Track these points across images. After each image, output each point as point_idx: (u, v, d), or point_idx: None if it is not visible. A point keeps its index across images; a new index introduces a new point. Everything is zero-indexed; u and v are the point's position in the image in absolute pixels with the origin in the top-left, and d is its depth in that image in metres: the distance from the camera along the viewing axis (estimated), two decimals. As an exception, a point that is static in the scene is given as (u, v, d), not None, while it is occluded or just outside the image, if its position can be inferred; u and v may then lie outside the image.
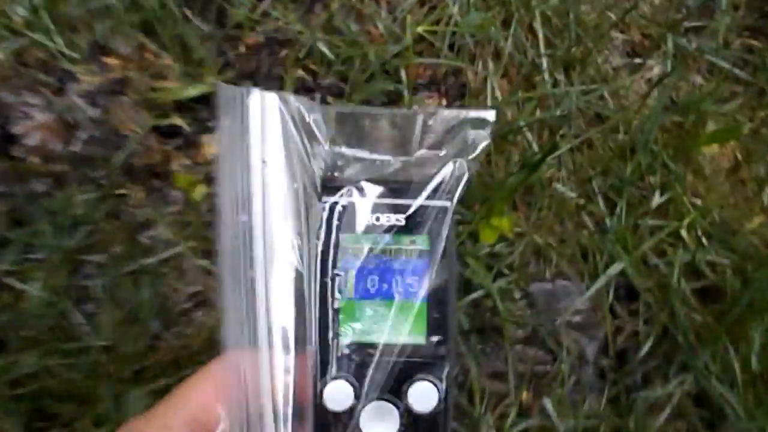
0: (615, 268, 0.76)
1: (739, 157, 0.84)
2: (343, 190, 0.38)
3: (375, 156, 0.39)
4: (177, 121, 0.76)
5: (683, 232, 0.78)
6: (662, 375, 0.77)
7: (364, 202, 0.39)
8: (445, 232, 0.38)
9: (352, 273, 0.38)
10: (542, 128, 0.83)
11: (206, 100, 0.79)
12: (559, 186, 0.79)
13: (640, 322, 0.78)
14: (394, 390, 0.37)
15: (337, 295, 0.38)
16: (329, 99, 0.81)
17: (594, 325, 0.80)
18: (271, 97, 0.36)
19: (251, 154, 0.36)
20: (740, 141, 0.83)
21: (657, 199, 0.78)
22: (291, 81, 0.79)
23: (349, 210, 0.38)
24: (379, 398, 0.37)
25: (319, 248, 0.38)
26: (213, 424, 0.34)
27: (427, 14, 0.84)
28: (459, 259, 0.75)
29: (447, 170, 0.39)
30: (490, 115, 0.39)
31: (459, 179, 0.39)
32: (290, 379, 0.35)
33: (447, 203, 0.38)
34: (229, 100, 0.36)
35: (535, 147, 0.80)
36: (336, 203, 0.38)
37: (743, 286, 0.76)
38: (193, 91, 0.76)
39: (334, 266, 0.38)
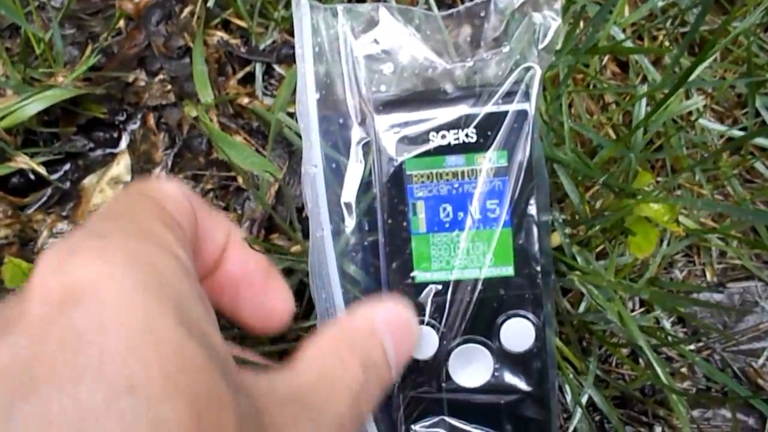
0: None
1: None
2: (399, 108, 0.33)
3: (428, 60, 0.33)
4: (23, 163, 0.44)
5: None
6: None
7: (425, 119, 0.32)
8: (527, 142, 0.32)
9: (421, 204, 0.33)
10: (636, 31, 0.49)
11: (70, 117, 0.46)
12: (702, 121, 0.44)
13: None
14: (484, 330, 0.33)
15: (406, 231, 0.33)
16: (276, 68, 0.48)
17: (817, 346, 0.46)
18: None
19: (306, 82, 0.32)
20: None
21: None
22: (205, 54, 0.46)
23: (407, 131, 0.32)
24: (468, 340, 0.33)
25: (378, 180, 0.33)
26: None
27: None
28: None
29: (516, 68, 0.32)
30: None
31: (532, 77, 0.32)
32: None
33: (525, 105, 0.32)
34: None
35: (646, 65, 0.46)
36: (392, 124, 0.32)
37: None
38: (38, 104, 0.43)
39: (399, 199, 0.33)
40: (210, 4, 0.47)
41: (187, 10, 0.48)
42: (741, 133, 0.45)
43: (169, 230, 0.24)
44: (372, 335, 0.28)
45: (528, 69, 0.32)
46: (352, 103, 0.34)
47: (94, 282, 0.20)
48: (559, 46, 0.44)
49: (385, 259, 0.34)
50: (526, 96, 0.32)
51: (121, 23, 0.49)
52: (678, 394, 0.39)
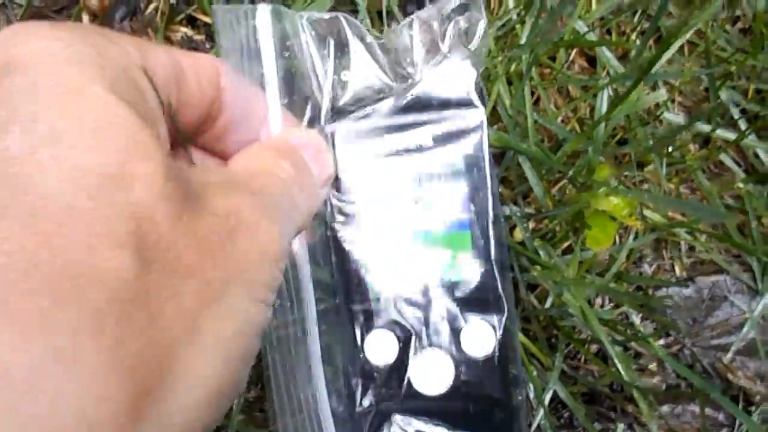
0: (808, 235, 0.42)
1: None
2: (354, 114, 0.33)
3: (379, 79, 0.33)
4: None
5: None
6: None
7: (379, 125, 0.33)
8: (471, 142, 0.32)
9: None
10: (605, 26, 0.49)
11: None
12: (667, 115, 0.44)
13: None
14: (444, 335, 0.32)
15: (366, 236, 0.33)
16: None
17: (786, 340, 0.45)
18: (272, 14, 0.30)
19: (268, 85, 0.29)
20: None
21: None
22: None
23: (362, 135, 0.33)
24: (429, 346, 0.32)
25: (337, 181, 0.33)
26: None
27: None
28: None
29: (454, 72, 0.32)
30: None
31: (469, 78, 0.32)
32: None
33: (470, 109, 0.32)
34: (229, 23, 0.30)
35: (608, 58, 0.45)
36: (346, 129, 0.33)
37: None
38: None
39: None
40: (174, 0, 0.47)
41: (152, 6, 0.48)
42: (707, 127, 0.45)
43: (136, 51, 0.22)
44: (292, 148, 0.28)
45: (464, 70, 0.32)
46: (308, 114, 0.34)
47: (32, 54, 0.20)
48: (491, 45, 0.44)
49: (339, 264, 0.33)
50: (469, 98, 0.32)
51: (86, 20, 0.48)
52: (640, 391, 0.39)
